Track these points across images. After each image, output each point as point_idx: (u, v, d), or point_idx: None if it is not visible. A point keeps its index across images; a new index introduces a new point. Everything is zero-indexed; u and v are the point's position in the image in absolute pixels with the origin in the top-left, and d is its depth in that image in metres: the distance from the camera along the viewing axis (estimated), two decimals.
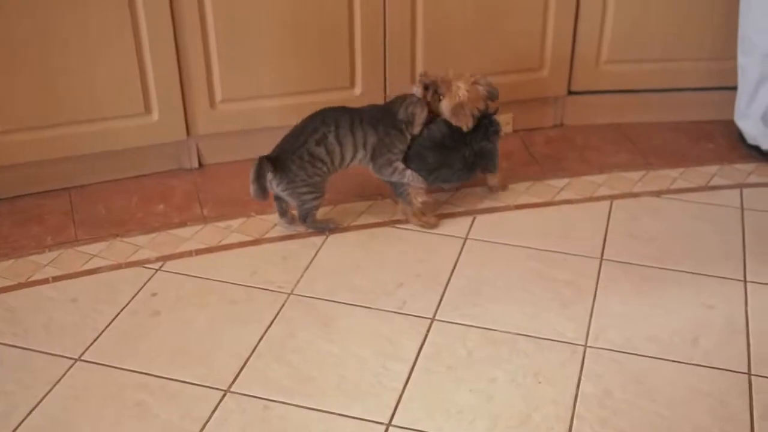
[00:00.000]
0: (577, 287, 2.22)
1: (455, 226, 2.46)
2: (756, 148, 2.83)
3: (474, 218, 2.50)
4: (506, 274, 2.27)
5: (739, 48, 2.77)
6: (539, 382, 1.92)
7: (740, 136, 2.89)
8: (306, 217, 2.39)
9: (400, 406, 1.86)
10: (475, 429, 1.81)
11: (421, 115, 2.37)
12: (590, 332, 2.07)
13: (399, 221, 2.48)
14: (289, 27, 2.60)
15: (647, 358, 2.00)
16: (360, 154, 2.37)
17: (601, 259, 2.33)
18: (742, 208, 2.55)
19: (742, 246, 2.38)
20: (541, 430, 1.80)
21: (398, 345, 2.03)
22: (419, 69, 2.75)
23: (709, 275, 2.27)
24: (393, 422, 1.82)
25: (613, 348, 2.02)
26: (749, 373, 1.95)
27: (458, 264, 2.31)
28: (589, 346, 2.03)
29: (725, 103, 2.90)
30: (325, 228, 2.42)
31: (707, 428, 1.81)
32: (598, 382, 1.92)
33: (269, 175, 2.29)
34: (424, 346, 2.03)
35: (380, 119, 2.37)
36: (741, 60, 2.78)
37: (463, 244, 2.39)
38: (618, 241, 2.40)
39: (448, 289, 2.21)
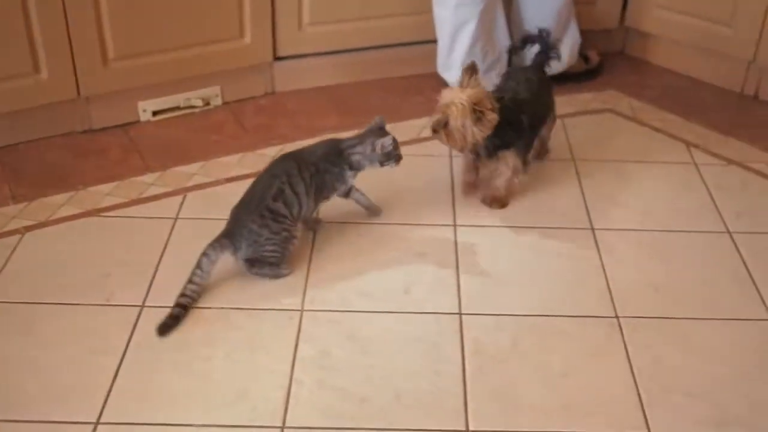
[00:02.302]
0: (292, 253, 2.18)
1: (164, 207, 2.35)
2: None
3: (184, 196, 2.40)
4: None
5: (433, 0, 2.82)
6: (256, 354, 1.87)
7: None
8: (265, 266, 2.09)
9: (109, 401, 1.75)
10: (190, 413, 1.73)
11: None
12: (306, 296, 2.04)
13: (103, 209, 2.34)
14: None
15: (362, 313, 1.99)
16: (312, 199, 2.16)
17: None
18: (451, 156, 2.60)
19: (451, 192, 2.43)
20: (258, 401, 1.75)
21: (107, 339, 1.91)
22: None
23: (421, 224, 2.30)
24: (101, 420, 1.71)
25: (329, 308, 2.00)
26: (460, 313, 1.99)
27: (168, 246, 2.20)
28: (306, 310, 2.00)
29: (428, 56, 2.96)
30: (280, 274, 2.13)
31: (421, 372, 1.83)
32: (315, 344, 1.90)
33: (231, 251, 2.05)
34: (134, 336, 1.92)
35: (322, 157, 2.17)
36: (436, 12, 2.84)
37: (173, 225, 2.28)
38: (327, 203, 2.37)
39: (157, 274, 2.10)
